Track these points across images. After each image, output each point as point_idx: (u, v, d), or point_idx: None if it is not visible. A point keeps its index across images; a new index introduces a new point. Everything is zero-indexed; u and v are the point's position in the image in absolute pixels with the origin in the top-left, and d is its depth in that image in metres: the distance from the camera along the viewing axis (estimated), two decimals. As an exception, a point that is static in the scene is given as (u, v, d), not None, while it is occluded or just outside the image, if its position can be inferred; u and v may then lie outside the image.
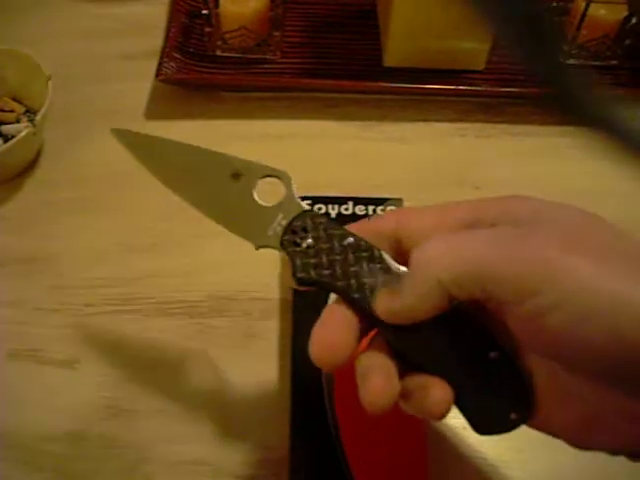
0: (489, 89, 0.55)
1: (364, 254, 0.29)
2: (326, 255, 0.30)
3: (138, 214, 0.49)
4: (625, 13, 0.53)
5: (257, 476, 0.39)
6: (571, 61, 0.56)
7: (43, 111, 0.48)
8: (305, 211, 0.31)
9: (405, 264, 0.29)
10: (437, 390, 0.28)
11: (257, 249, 0.32)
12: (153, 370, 0.42)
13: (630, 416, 0.25)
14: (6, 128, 0.51)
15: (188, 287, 0.46)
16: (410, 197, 0.46)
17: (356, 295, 0.29)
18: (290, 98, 0.56)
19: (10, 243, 0.48)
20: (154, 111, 0.55)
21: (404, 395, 0.28)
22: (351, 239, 0.30)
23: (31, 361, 0.43)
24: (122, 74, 0.58)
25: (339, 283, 0.29)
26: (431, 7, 0.52)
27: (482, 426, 0.29)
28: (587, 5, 0.52)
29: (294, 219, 0.31)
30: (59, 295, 0.45)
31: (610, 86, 0.52)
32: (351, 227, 0.31)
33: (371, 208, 0.45)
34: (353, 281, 0.29)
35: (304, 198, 0.45)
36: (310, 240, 0.30)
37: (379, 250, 0.29)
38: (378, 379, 0.27)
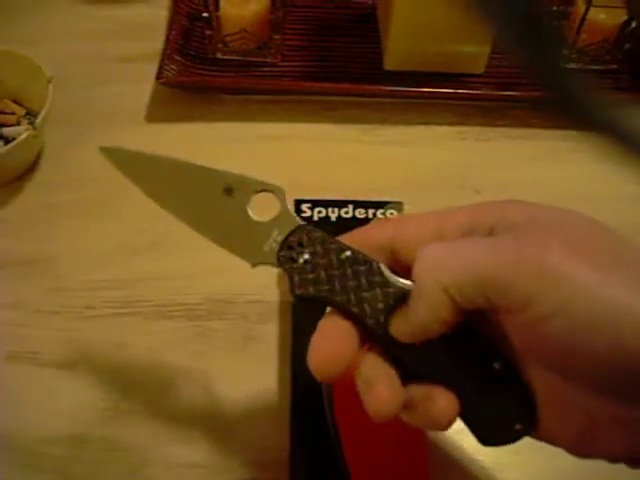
0: (489, 92, 0.55)
1: (362, 267, 0.29)
2: (324, 270, 0.29)
3: (138, 217, 0.49)
4: (624, 17, 0.53)
5: (256, 479, 0.39)
6: (571, 65, 0.56)
7: (43, 113, 0.48)
8: (301, 226, 0.31)
9: (402, 275, 0.29)
10: (443, 400, 0.27)
11: (253, 267, 0.31)
12: (152, 372, 0.42)
13: (628, 425, 0.25)
14: (6, 130, 0.51)
15: (187, 290, 0.46)
16: (410, 200, 0.45)
17: (356, 309, 0.29)
18: (290, 101, 0.56)
19: (10, 245, 0.48)
20: (154, 114, 0.55)
21: (408, 405, 0.28)
22: (348, 253, 0.29)
23: (31, 363, 0.43)
24: (122, 76, 0.58)
25: (338, 298, 0.29)
26: (431, 10, 0.52)
27: (487, 437, 0.28)
28: (587, 9, 0.52)
29: (290, 234, 0.30)
30: (59, 297, 0.45)
31: (610, 90, 0.52)
32: (344, 237, 0.30)
33: (371, 211, 0.45)
34: (352, 295, 0.29)
35: (304, 201, 0.46)
36: (307, 255, 0.30)
37: (377, 263, 0.29)
38: (383, 388, 0.27)
